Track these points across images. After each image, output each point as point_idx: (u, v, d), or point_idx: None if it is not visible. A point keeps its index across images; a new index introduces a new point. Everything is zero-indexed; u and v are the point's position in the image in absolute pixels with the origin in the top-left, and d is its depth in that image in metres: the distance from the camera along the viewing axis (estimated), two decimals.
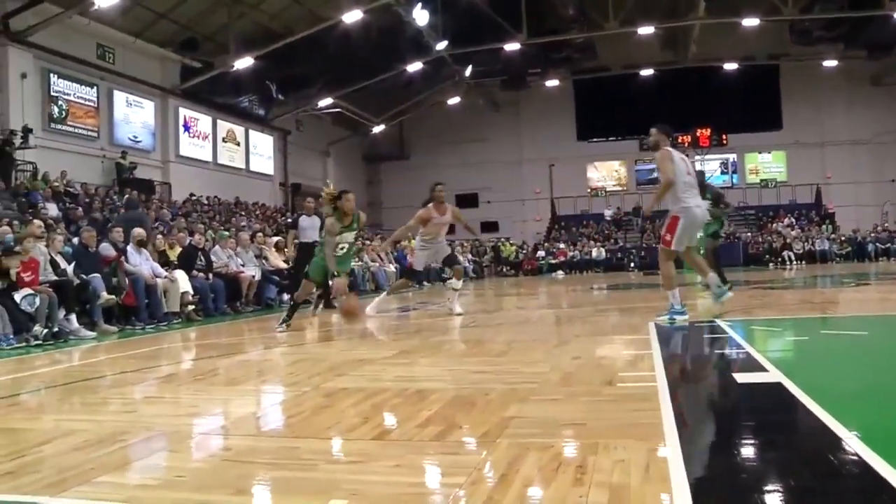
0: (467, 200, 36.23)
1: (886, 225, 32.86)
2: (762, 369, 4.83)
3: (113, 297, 10.86)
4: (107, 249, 11.81)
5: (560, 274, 30.72)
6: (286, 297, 15.69)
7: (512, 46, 29.22)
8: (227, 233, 17.07)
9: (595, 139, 39.89)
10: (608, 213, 37.95)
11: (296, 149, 35.02)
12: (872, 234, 31.94)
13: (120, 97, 24.68)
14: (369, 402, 4.32)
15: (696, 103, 35.52)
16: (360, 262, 20.50)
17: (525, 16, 28.31)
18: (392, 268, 22.09)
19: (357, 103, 34.19)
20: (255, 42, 25.88)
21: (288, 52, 25.99)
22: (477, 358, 5.87)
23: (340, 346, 7.72)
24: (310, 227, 13.66)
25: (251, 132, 31.59)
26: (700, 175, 11.89)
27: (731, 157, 39.90)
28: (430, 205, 10.87)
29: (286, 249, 15.90)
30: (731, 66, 34.11)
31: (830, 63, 33.49)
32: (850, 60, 33.11)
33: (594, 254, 33.10)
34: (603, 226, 37.24)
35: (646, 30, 28.84)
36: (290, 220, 16.06)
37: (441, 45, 28.67)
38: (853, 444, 2.92)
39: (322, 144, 37.43)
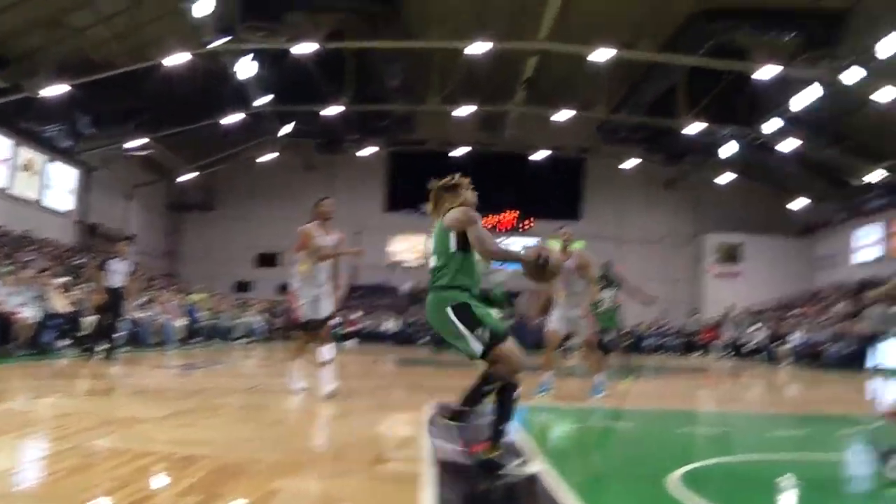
0: (267, 260, 36.73)
1: (665, 321, 35.08)
2: (526, 457, 5.12)
3: None
4: None
5: (352, 343, 30.34)
6: (65, 342, 14.71)
7: (334, 110, 29.49)
8: (8, 268, 16.07)
9: (402, 210, 40.22)
10: (406, 286, 38.38)
11: (99, 187, 33.28)
12: (652, 330, 34.09)
13: None
14: (132, 465, 4.22)
15: (506, 185, 36.82)
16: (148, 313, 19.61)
17: (349, 82, 28.73)
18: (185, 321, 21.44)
19: (170, 147, 33.19)
20: (72, 70, 24.71)
21: (105, 85, 25.03)
22: (253, 424, 5.84)
23: (115, 401, 7.45)
24: (118, 272, 13.13)
25: (53, 164, 29.84)
26: (608, 265, 13.04)
27: (535, 241, 41.47)
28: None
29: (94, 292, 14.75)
30: (542, 154, 35.74)
31: (631, 163, 35.82)
32: (648, 163, 35.63)
33: (386, 326, 33.58)
34: (400, 299, 37.69)
35: (465, 110, 29.85)
36: (99, 262, 14.99)
37: (263, 100, 28.55)
38: None
39: (127, 186, 35.77)
